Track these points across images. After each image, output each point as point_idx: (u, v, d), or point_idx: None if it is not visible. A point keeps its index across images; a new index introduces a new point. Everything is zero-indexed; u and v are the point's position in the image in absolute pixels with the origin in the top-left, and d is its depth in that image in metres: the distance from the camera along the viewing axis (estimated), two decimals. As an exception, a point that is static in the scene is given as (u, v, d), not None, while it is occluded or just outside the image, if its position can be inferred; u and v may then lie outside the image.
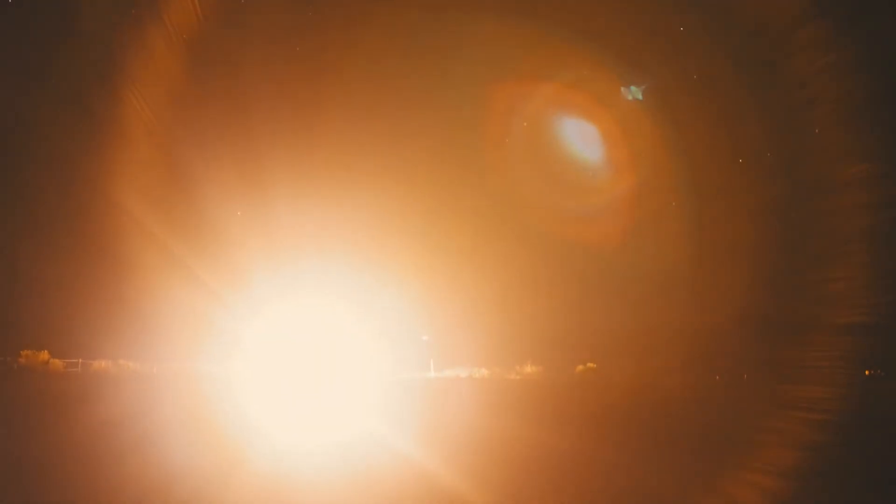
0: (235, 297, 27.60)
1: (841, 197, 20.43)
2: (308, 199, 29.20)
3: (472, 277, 32.18)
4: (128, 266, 25.08)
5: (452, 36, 31.59)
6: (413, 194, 30.81)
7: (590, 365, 30.67)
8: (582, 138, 34.15)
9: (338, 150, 30.25)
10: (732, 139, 27.96)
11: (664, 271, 29.66)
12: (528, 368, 31.63)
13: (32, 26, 26.98)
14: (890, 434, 16.36)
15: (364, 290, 30.27)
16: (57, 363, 22.04)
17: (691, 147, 29.82)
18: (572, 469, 10.24)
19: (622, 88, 32.72)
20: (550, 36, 30.66)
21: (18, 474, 8.93)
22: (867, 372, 19.52)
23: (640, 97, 32.19)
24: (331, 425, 14.24)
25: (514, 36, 31.61)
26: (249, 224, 28.35)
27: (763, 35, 22.97)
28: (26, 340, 22.35)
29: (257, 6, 29.29)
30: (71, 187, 26.87)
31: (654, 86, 31.43)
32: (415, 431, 13.23)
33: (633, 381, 25.13)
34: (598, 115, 32.96)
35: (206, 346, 25.92)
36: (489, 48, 32.16)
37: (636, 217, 31.82)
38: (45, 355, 21.91)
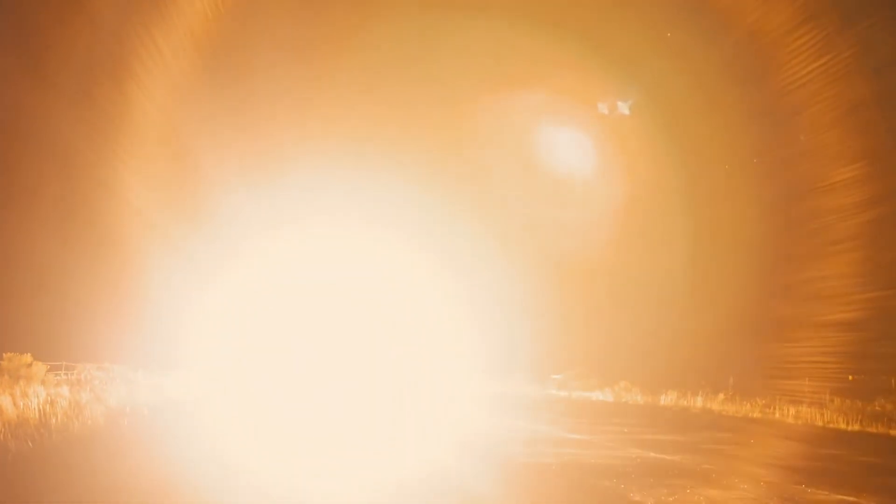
0: (248, 294, 27.42)
1: (831, 198, 20.77)
2: (315, 197, 29.26)
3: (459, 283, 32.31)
4: (126, 267, 24.91)
5: (448, 42, 31.80)
6: (409, 194, 30.96)
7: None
8: (573, 146, 34.47)
9: (333, 148, 30.33)
10: (725, 144, 28.33)
11: (663, 277, 30.00)
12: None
13: (43, 22, 26.87)
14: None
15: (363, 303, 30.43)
16: (40, 366, 21.78)
17: (685, 152, 30.18)
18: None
19: (599, 104, 33.07)
20: (541, 44, 30.95)
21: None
22: (850, 377, 19.78)
23: (626, 112, 32.54)
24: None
25: (506, 42, 31.89)
26: (257, 218, 28.23)
27: (755, 41, 23.31)
28: (8, 343, 22.11)
29: (263, 5, 29.40)
30: (71, 187, 26.70)
31: (640, 101, 31.80)
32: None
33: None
34: (589, 122, 33.30)
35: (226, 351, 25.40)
36: (482, 54, 32.40)
37: (633, 223, 32.19)
38: (28, 358, 21.65)
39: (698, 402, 23.91)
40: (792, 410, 19.76)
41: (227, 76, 29.34)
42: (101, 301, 26.21)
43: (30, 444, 10.30)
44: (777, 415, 20.04)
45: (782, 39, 21.80)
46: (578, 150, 34.45)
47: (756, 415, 20.77)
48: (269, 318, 27.55)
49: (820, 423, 18.51)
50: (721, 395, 23.62)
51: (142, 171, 25.47)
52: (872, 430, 17.34)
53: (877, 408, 18.83)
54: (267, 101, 29.85)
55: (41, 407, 12.72)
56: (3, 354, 21.32)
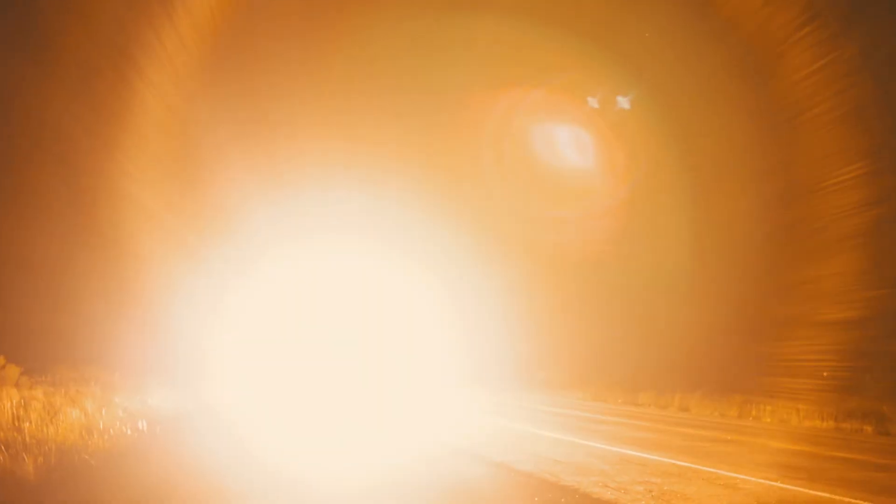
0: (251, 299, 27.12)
1: (832, 197, 21.03)
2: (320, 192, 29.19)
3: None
4: (124, 268, 24.56)
5: (445, 38, 31.78)
6: (404, 194, 30.93)
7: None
8: (573, 143, 34.64)
9: (331, 145, 30.24)
10: (725, 143, 28.46)
11: (663, 274, 30.13)
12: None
13: (46, 14, 26.54)
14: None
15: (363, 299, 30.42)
16: (13, 369, 21.47)
17: (685, 150, 30.34)
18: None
19: (589, 99, 33.20)
20: (538, 40, 31.00)
21: None
22: (825, 374, 20.01)
23: (626, 106, 32.70)
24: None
25: (504, 39, 31.92)
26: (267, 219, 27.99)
27: (756, 39, 23.47)
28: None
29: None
30: (71, 184, 26.34)
31: (640, 95, 31.93)
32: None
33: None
34: (590, 119, 33.46)
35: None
36: (479, 51, 32.42)
37: (632, 221, 32.33)
38: (0, 360, 21.34)
39: (677, 399, 24.07)
40: (769, 408, 19.97)
41: (236, 72, 29.13)
42: (91, 303, 25.88)
43: (2, 448, 10.16)
44: (754, 412, 20.24)
45: (786, 37, 21.97)
46: (575, 147, 34.61)
47: (735, 412, 20.96)
48: (264, 325, 27.40)
49: (795, 421, 18.73)
50: (700, 393, 23.77)
51: (148, 169, 25.21)
52: (846, 426, 17.58)
53: (852, 405, 19.06)
54: (273, 100, 29.69)
55: (14, 411, 12.55)
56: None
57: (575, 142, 34.48)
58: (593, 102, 33.15)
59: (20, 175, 26.91)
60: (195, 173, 26.70)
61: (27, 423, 11.98)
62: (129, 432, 12.01)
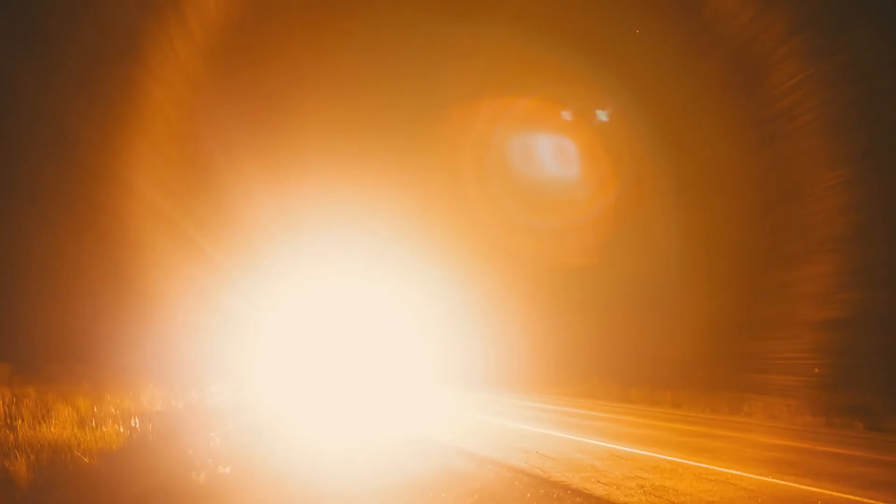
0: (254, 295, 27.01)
1: (816, 202, 21.24)
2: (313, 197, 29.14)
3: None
4: (120, 268, 24.45)
5: (431, 47, 31.73)
6: (388, 205, 30.89)
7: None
8: (557, 153, 34.74)
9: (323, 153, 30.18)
10: (709, 150, 28.59)
11: (652, 277, 30.23)
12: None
13: (52, 10, 26.43)
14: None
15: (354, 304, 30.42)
16: (5, 367, 21.40)
17: (670, 157, 30.45)
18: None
19: (563, 112, 33.34)
20: (520, 50, 31.01)
21: None
22: (816, 370, 20.15)
23: (605, 119, 32.79)
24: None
25: (485, 49, 31.92)
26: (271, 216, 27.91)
27: (743, 48, 23.63)
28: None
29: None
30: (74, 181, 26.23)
31: (625, 105, 31.98)
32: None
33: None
34: (574, 129, 33.54)
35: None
36: (465, 61, 32.39)
37: (619, 225, 32.44)
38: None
39: (668, 396, 24.13)
40: (760, 404, 20.07)
41: (243, 72, 28.99)
42: (86, 301, 25.75)
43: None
44: (745, 408, 20.34)
45: (770, 48, 22.15)
46: (559, 157, 34.76)
47: (726, 409, 21.05)
48: (262, 331, 27.35)
49: (787, 417, 18.83)
50: (691, 390, 23.83)
51: (151, 164, 25.08)
52: (837, 421, 17.69)
53: (843, 401, 19.19)
54: (272, 106, 29.62)
55: (6, 408, 12.52)
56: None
57: (559, 152, 34.63)
58: (567, 115, 33.37)
59: (18, 173, 26.82)
60: (201, 171, 26.64)
61: (19, 421, 11.96)
62: (121, 429, 11.99)
